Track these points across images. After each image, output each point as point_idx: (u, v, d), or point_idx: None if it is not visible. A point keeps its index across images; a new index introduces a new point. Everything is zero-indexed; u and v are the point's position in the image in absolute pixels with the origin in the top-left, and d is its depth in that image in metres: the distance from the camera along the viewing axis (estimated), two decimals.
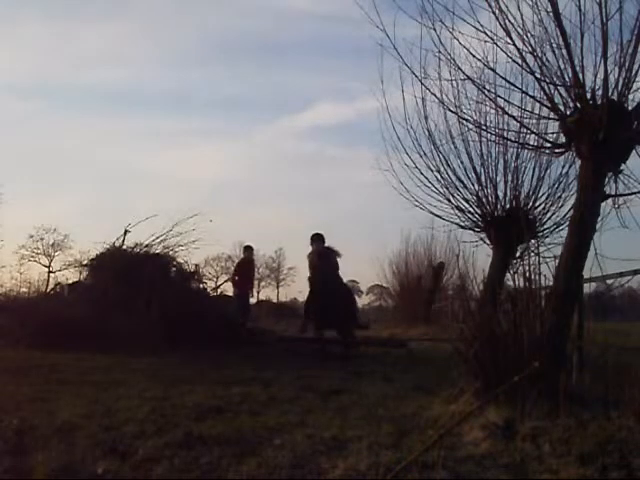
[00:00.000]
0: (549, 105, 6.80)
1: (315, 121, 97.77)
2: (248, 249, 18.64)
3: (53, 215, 76.21)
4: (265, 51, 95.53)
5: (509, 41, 6.76)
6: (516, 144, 8.60)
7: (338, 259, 13.57)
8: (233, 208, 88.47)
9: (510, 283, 7.16)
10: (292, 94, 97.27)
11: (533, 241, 8.83)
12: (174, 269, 15.85)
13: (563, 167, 9.25)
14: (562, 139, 7.07)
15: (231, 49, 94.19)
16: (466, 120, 8.71)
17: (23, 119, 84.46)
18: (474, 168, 9.56)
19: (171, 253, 15.75)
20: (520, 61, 6.79)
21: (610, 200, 6.70)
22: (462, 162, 9.62)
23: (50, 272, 42.20)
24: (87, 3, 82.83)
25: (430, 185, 9.79)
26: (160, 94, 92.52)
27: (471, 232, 10.01)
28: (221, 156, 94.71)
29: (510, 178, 9.49)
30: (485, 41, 7.08)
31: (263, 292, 65.34)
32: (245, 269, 17.95)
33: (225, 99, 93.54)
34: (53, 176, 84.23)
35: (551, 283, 6.54)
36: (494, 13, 6.74)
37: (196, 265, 16.66)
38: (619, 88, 6.24)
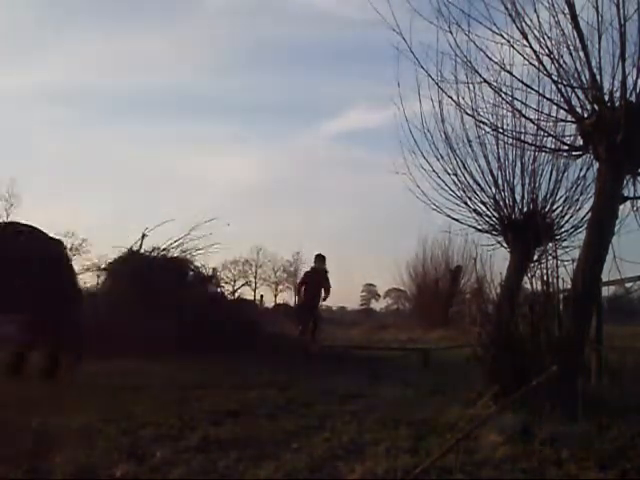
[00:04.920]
0: (566, 107, 6.77)
1: (353, 125, 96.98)
2: (319, 258, 17.21)
3: (79, 220, 76.13)
4: (304, 57, 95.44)
5: (526, 43, 6.76)
6: (533, 147, 8.57)
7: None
8: (260, 212, 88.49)
9: (528, 286, 7.14)
10: (330, 99, 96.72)
11: (551, 244, 8.78)
12: (191, 273, 15.88)
13: (581, 170, 9.18)
14: (580, 142, 7.04)
15: (268, 55, 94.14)
16: (483, 123, 8.68)
17: (59, 125, 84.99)
18: (491, 171, 9.52)
19: (189, 257, 15.79)
20: (537, 63, 6.79)
21: (628, 203, 6.67)
22: (479, 165, 9.58)
23: None
24: (138, 12, 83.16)
25: (447, 188, 9.76)
26: (199, 100, 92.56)
27: (488, 235, 9.97)
28: (255, 160, 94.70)
29: (527, 181, 9.44)
30: (501, 44, 7.10)
31: (280, 295, 65.16)
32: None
33: (262, 104, 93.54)
34: (81, 181, 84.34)
35: (569, 286, 6.51)
36: (510, 15, 6.75)
37: (214, 269, 16.67)
38: (637, 90, 6.20)
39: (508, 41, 6.95)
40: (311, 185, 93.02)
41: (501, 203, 9.56)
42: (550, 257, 6.98)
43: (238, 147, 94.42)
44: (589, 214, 7.37)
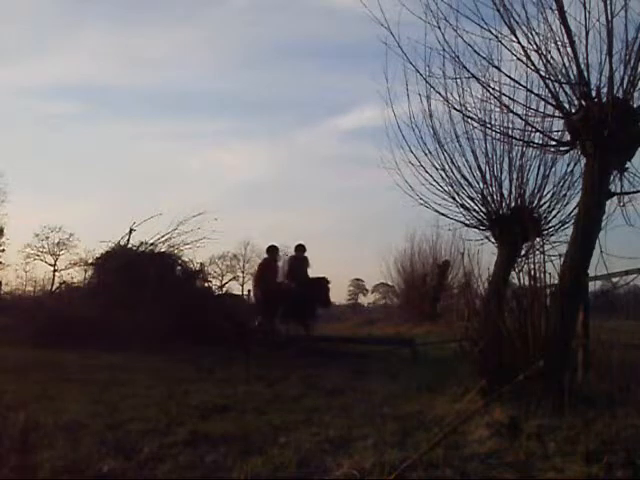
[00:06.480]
0: (554, 103, 6.79)
1: (359, 123, 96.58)
2: (273, 249, 16.18)
3: (76, 216, 75.71)
4: (311, 54, 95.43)
5: (514, 39, 6.77)
6: (521, 142, 8.58)
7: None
8: (259, 208, 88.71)
9: (515, 281, 7.16)
10: (337, 96, 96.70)
11: (538, 239, 8.82)
12: (179, 268, 15.86)
13: (568, 165, 9.20)
14: (567, 137, 7.06)
15: (278, 52, 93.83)
16: (471, 118, 8.69)
17: (62, 121, 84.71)
18: (479, 166, 9.53)
19: (176, 252, 15.78)
20: (525, 59, 6.79)
21: (615, 198, 6.69)
22: (467, 160, 9.58)
23: (55, 271, 42.16)
24: (150, 10, 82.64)
25: (435, 183, 9.75)
26: (207, 97, 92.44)
27: (476, 230, 9.97)
28: (259, 157, 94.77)
29: (515, 176, 9.46)
30: (489, 39, 7.09)
31: None
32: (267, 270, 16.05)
33: (269, 101, 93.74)
34: (78, 177, 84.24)
35: (556, 281, 6.53)
36: (499, 11, 6.74)
37: (201, 264, 16.66)
38: (624, 86, 6.22)
39: (496, 37, 6.97)
40: (306, 181, 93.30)
41: (489, 198, 9.57)
42: (537, 252, 7.02)
43: (256, 143, 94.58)
44: (576, 209, 7.39)
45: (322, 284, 15.52)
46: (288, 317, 15.24)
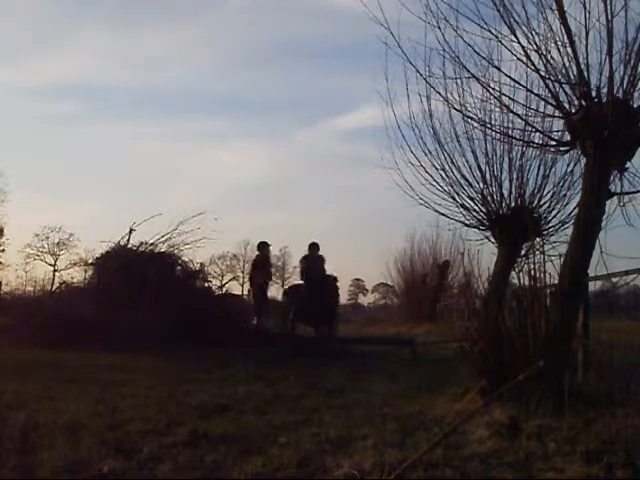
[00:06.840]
0: (554, 103, 6.78)
1: (359, 123, 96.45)
2: (264, 246, 16.89)
3: (76, 216, 75.90)
4: (311, 54, 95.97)
5: (514, 39, 6.77)
6: (521, 142, 8.59)
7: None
8: (259, 208, 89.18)
9: (515, 281, 7.16)
10: (337, 96, 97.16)
11: (538, 239, 8.82)
12: (179, 268, 15.84)
13: (568, 165, 9.21)
14: (567, 137, 7.05)
15: (278, 52, 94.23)
16: (471, 118, 8.69)
17: (62, 121, 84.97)
18: (479, 166, 9.54)
19: (176, 252, 15.77)
20: (525, 59, 6.79)
21: (615, 198, 6.69)
22: (467, 160, 9.59)
23: (55, 271, 42.26)
24: (150, 10, 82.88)
25: (435, 183, 9.76)
26: (207, 97, 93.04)
27: (476, 230, 9.99)
28: (259, 157, 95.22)
29: (515, 176, 9.47)
30: (490, 39, 7.09)
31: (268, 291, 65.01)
32: (261, 266, 16.65)
33: (269, 101, 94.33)
34: (78, 177, 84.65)
35: (556, 281, 6.53)
36: (499, 11, 6.74)
37: (201, 264, 16.64)
38: (624, 86, 6.22)
39: (496, 37, 6.97)
40: (306, 181, 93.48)
41: (489, 198, 9.58)
42: (537, 252, 7.01)
43: (257, 143, 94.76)
44: (576, 209, 7.39)
45: (333, 282, 15.70)
46: (310, 319, 15.32)
